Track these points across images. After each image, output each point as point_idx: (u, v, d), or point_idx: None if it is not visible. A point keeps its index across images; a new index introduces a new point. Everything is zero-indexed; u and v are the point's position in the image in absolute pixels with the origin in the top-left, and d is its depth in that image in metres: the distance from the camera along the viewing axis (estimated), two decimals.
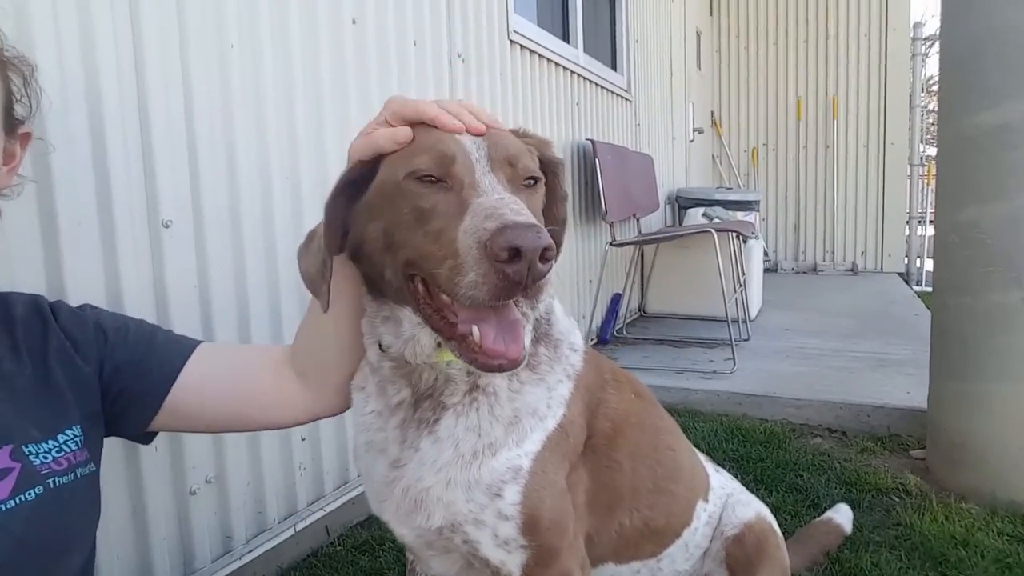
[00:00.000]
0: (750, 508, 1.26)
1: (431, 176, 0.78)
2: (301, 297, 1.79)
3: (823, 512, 1.80)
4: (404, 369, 0.92)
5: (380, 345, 0.93)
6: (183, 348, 1.04)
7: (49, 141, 1.18)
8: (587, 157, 3.85)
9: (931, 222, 7.46)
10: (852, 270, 7.20)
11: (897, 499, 2.16)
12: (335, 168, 1.87)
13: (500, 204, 0.72)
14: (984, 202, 2.06)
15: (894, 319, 4.70)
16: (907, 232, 7.15)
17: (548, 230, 0.87)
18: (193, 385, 1.01)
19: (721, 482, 1.30)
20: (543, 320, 0.98)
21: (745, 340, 4.01)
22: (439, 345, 0.87)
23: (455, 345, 0.78)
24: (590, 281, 3.99)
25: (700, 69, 7.13)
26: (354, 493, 1.97)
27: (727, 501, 1.26)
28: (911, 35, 6.95)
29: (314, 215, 1.85)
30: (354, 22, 1.99)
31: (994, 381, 2.11)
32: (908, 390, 2.94)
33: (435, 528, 0.90)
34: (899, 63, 6.95)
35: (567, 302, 3.61)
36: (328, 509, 1.90)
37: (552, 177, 0.95)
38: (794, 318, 4.76)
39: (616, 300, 4.40)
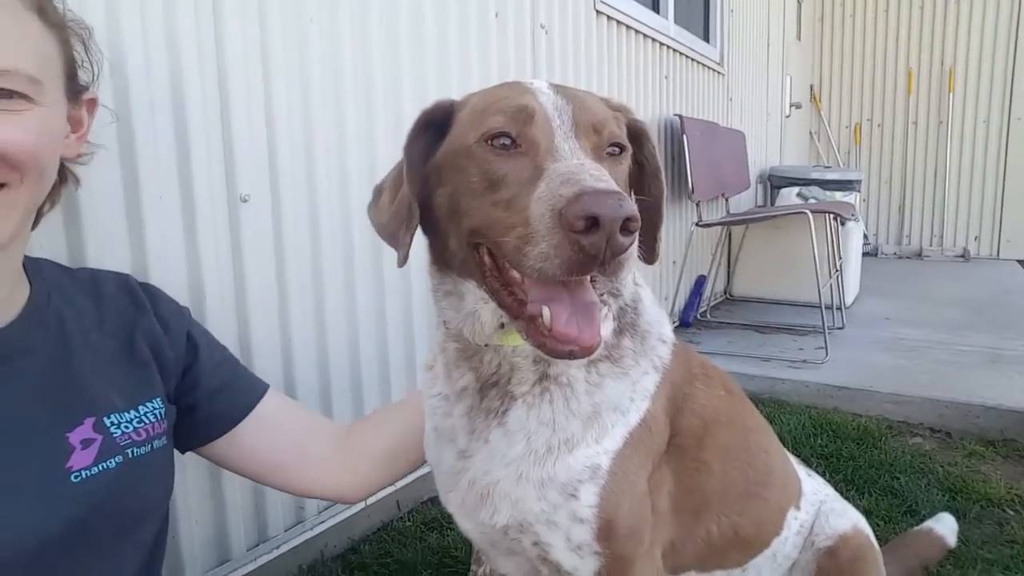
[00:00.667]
0: (846, 518, 1.16)
1: (506, 136, 0.73)
2: (375, 269, 1.78)
3: (922, 520, 1.65)
4: (467, 352, 0.88)
5: (445, 324, 0.89)
6: (258, 387, 1.09)
7: (124, 112, 1.19)
8: (674, 133, 3.69)
9: None
10: (963, 256, 6.65)
11: (1012, 512, 1.96)
12: None
13: (579, 170, 0.66)
14: None
15: (1012, 310, 4.29)
16: None
17: (636, 200, 0.81)
18: (259, 428, 1.06)
19: (814, 488, 1.20)
20: (629, 309, 0.91)
21: (839, 328, 3.77)
22: (502, 326, 0.82)
23: (523, 326, 0.72)
24: (674, 262, 3.85)
25: (800, 40, 6.70)
26: (425, 469, 1.96)
27: (820, 509, 1.16)
28: None
29: None
30: None
31: None
32: None
33: (500, 526, 0.85)
34: None
35: (648, 283, 3.49)
36: (399, 484, 1.90)
37: (639, 148, 0.88)
38: (895, 306, 4.44)
39: (700, 282, 4.23)
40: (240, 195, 1.42)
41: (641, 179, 0.90)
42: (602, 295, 0.85)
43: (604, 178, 0.65)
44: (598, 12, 2.86)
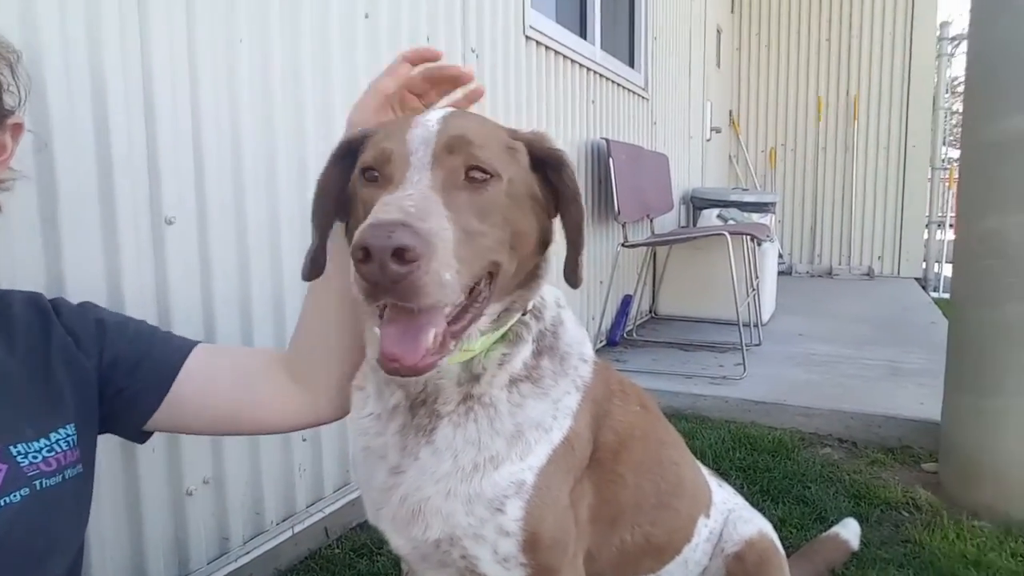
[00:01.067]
0: (752, 525, 1.23)
1: (372, 169, 0.79)
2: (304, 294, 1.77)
3: (830, 526, 1.76)
4: None
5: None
6: (183, 346, 1.03)
7: (44, 134, 1.16)
8: (601, 156, 3.81)
9: (951, 226, 7.35)
10: (868, 274, 7.10)
11: (907, 514, 2.11)
12: None
13: (390, 201, 0.70)
14: (1008, 212, 2.00)
15: (910, 326, 4.63)
16: (926, 236, 7.03)
17: (574, 228, 0.85)
18: (193, 383, 1.00)
19: (723, 497, 1.27)
20: (549, 332, 0.94)
21: (756, 345, 3.96)
22: None
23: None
24: (600, 282, 3.96)
25: (719, 67, 7.05)
26: (353, 495, 1.96)
27: (728, 517, 1.23)
28: (937, 34, 6.81)
29: None
30: (367, 16, 1.96)
31: (1012, 396, 2.06)
32: (922, 401, 2.88)
33: (432, 540, 0.88)
34: (924, 63, 6.82)
35: (576, 303, 3.58)
36: (327, 511, 1.89)
37: (558, 175, 0.89)
38: (807, 323, 4.70)
39: (627, 302, 4.36)
40: (165, 217, 1.39)
41: (562, 205, 0.91)
42: (521, 311, 0.89)
43: (404, 209, 0.68)
44: (527, 37, 2.94)
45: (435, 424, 0.88)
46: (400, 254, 0.64)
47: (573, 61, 3.46)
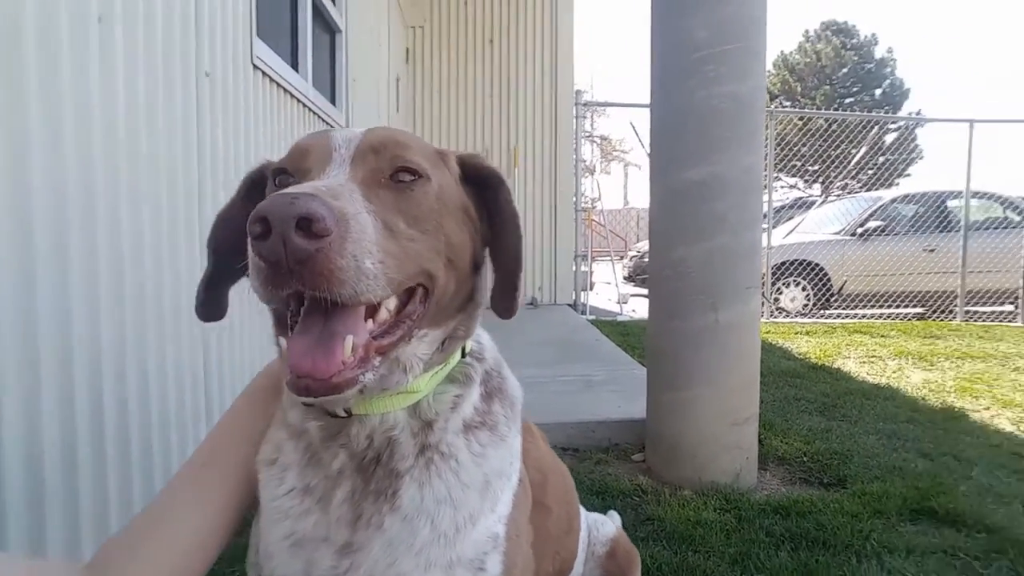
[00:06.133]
0: (608, 524, 1.37)
1: (286, 172, 0.74)
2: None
3: None
4: (333, 428, 0.79)
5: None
6: None
7: None
8: None
9: (593, 259, 8.85)
10: (532, 303, 8.12)
11: (639, 498, 2.51)
12: (82, 187, 1.53)
13: (301, 186, 0.64)
14: (689, 243, 2.57)
15: (581, 345, 5.45)
16: (574, 268, 8.35)
17: (510, 253, 0.83)
18: None
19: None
20: (495, 373, 0.91)
21: None
22: (361, 391, 0.73)
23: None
24: None
25: (399, 112, 7.41)
26: None
27: (587, 522, 1.35)
28: (574, 101, 8.21)
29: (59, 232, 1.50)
30: (100, 20, 1.66)
31: (698, 387, 2.62)
32: (619, 404, 3.45)
33: None
34: (565, 119, 8.15)
35: None
36: None
37: (495, 194, 0.88)
38: (504, 351, 5.15)
39: None
40: None
41: (498, 228, 0.88)
42: (465, 340, 0.86)
43: (315, 188, 0.61)
44: (255, 67, 2.76)
45: (396, 486, 0.77)
46: (306, 225, 0.56)
47: (292, 95, 3.34)
